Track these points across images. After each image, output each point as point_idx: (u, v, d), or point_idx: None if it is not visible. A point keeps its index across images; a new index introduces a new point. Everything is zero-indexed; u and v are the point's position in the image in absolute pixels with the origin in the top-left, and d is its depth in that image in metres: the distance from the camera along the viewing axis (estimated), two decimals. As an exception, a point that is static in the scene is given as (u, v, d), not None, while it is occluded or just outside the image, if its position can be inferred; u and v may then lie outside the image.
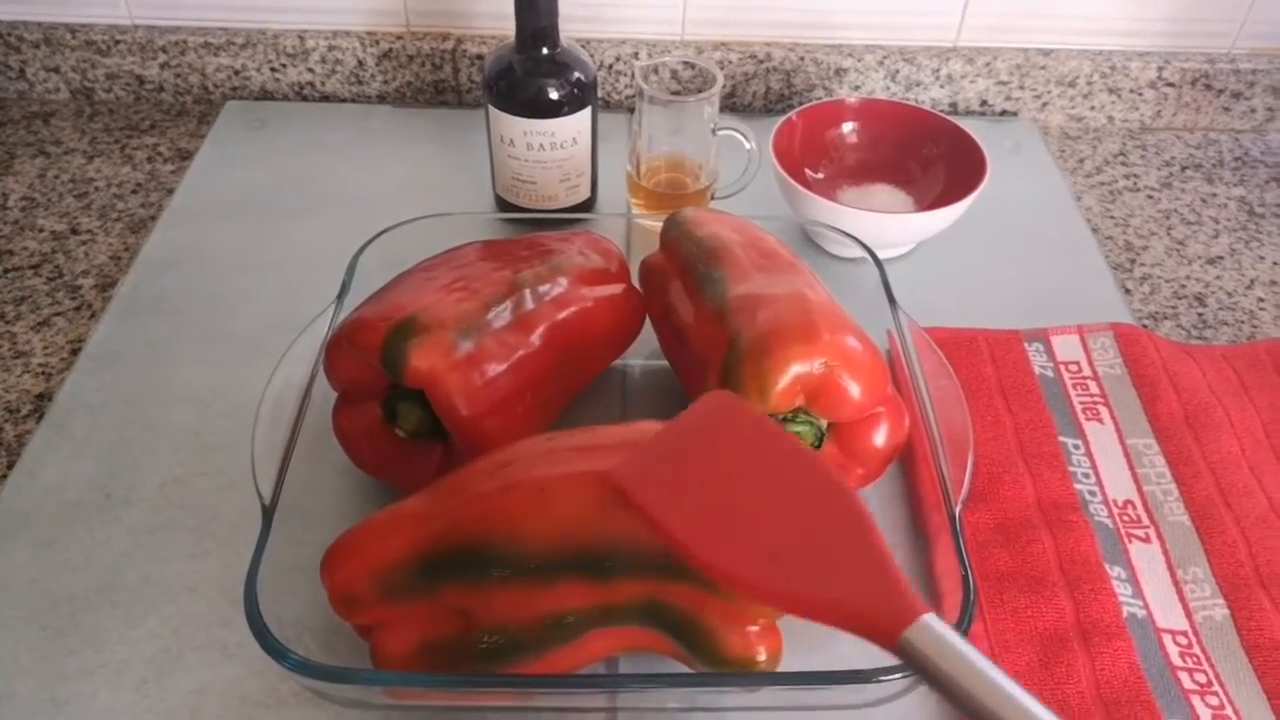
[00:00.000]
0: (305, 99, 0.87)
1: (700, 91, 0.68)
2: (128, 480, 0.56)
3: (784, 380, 0.48)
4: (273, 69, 0.86)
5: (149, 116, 0.86)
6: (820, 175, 0.76)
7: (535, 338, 0.52)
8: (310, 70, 0.86)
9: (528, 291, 0.53)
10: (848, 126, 0.76)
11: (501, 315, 0.51)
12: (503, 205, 0.74)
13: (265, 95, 0.87)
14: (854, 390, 0.48)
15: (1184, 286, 0.73)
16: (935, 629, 0.32)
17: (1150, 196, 0.81)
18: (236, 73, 0.86)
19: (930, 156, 0.74)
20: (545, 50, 0.66)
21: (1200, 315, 0.70)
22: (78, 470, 0.57)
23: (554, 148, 0.68)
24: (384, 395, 0.51)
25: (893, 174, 0.75)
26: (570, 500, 0.41)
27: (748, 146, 0.70)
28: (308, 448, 0.51)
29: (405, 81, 0.86)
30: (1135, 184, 0.83)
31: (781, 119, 0.73)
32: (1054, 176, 0.82)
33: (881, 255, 0.61)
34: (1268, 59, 0.85)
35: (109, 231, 0.74)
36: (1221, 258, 0.75)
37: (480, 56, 0.84)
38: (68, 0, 0.83)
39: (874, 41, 0.86)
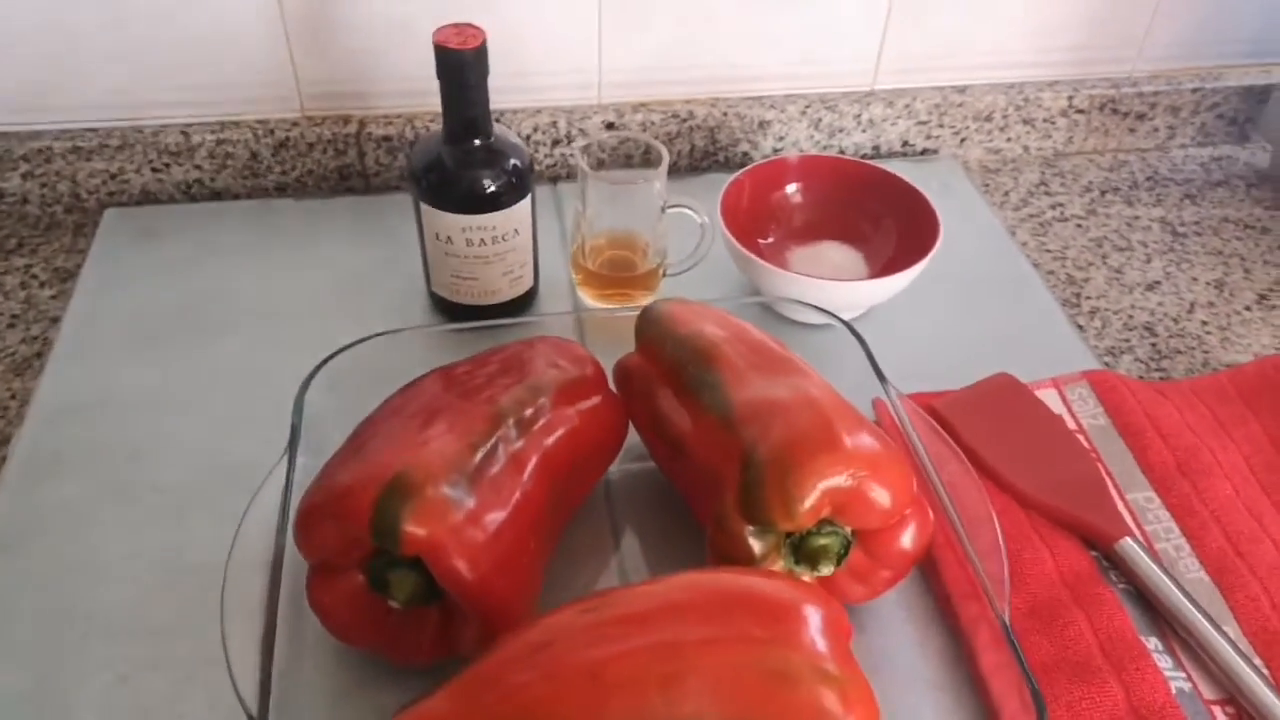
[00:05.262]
0: (194, 199, 0.79)
1: (646, 166, 0.64)
2: (60, 689, 0.48)
3: (812, 497, 0.44)
4: (154, 169, 0.77)
5: (14, 234, 0.76)
6: (770, 240, 0.73)
7: (528, 474, 0.47)
8: (198, 167, 0.78)
9: (512, 421, 0.48)
10: (791, 187, 0.73)
11: (491, 454, 0.46)
12: (439, 303, 0.68)
13: (148, 198, 0.79)
14: (883, 498, 0.45)
15: (1132, 317, 0.73)
16: (1133, 546, 0.53)
17: (1079, 225, 0.82)
18: (113, 176, 0.77)
19: (876, 211, 0.73)
20: (478, 141, 0.61)
21: (1154, 345, 0.71)
22: (-2, 685, 0.48)
23: (495, 241, 0.64)
24: (367, 561, 0.45)
25: (841, 231, 0.73)
26: (631, 685, 0.36)
27: (700, 221, 0.67)
28: (280, 625, 0.44)
29: (306, 170, 0.79)
30: (1062, 213, 0.83)
31: (726, 184, 0.69)
32: (985, 213, 0.82)
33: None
34: (1165, 80, 0.88)
35: (-13, 377, 0.65)
36: (1159, 282, 0.76)
37: (387, 138, 0.78)
38: (-97, 111, 0.73)
39: (794, 91, 0.84)
